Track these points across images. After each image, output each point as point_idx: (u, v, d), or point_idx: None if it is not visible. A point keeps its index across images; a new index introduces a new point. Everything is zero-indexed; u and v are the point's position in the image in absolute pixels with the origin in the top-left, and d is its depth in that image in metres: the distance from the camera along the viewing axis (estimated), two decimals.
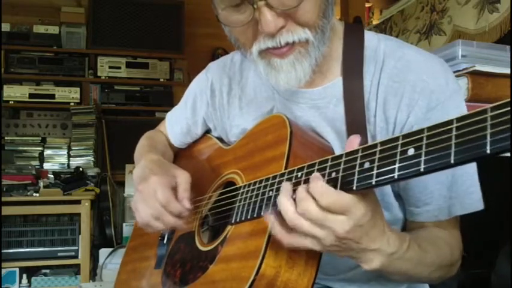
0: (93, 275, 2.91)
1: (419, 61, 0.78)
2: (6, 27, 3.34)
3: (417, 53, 0.79)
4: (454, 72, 1.16)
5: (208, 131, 1.07)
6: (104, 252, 2.87)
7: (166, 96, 3.60)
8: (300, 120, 0.83)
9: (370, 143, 0.54)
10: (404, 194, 0.79)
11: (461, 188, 0.75)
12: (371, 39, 0.82)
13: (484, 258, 1.28)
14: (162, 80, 3.61)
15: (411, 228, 0.80)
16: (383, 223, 0.61)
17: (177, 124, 1.10)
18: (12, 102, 3.31)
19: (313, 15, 0.71)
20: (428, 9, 1.96)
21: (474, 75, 1.13)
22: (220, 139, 1.02)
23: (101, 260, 2.83)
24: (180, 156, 1.14)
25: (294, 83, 0.75)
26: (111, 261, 2.81)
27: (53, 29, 3.42)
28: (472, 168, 0.76)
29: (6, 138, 3.24)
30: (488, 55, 1.20)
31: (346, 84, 0.79)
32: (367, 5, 2.84)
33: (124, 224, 3.15)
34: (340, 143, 0.79)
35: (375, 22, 2.59)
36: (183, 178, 0.85)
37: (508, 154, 0.42)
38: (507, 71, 1.15)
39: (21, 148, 3.25)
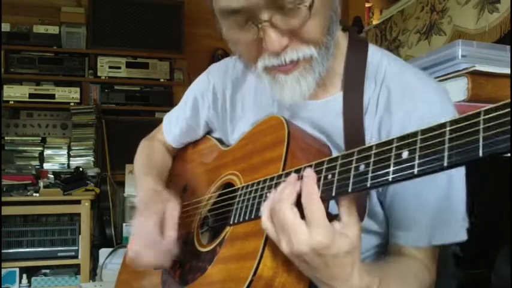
0: (93, 275, 2.91)
1: (417, 87, 0.77)
2: (6, 27, 3.34)
3: (417, 78, 0.79)
4: (454, 72, 1.16)
5: (208, 132, 1.07)
6: (103, 252, 2.87)
7: (166, 96, 3.60)
8: None
9: (366, 145, 0.54)
10: (388, 215, 0.79)
11: (445, 218, 0.74)
12: (374, 54, 0.82)
13: (484, 258, 1.28)
14: (162, 80, 3.61)
15: (390, 249, 0.80)
16: (354, 268, 0.60)
17: (177, 125, 1.09)
18: (12, 102, 3.31)
19: (318, 33, 0.70)
20: (428, 9, 1.95)
21: (474, 75, 1.12)
22: (220, 140, 1.02)
23: (101, 260, 2.84)
24: (180, 157, 1.14)
25: (298, 98, 0.74)
26: (111, 261, 2.81)
27: (53, 29, 3.42)
28: (459, 195, 0.75)
29: (6, 138, 3.24)
30: (488, 55, 1.20)
31: (346, 99, 0.79)
32: (367, 5, 2.84)
33: (124, 224, 3.15)
34: None
35: (374, 22, 2.58)
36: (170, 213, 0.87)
37: (508, 154, 0.42)
38: (507, 71, 1.14)
39: (21, 148, 3.25)
